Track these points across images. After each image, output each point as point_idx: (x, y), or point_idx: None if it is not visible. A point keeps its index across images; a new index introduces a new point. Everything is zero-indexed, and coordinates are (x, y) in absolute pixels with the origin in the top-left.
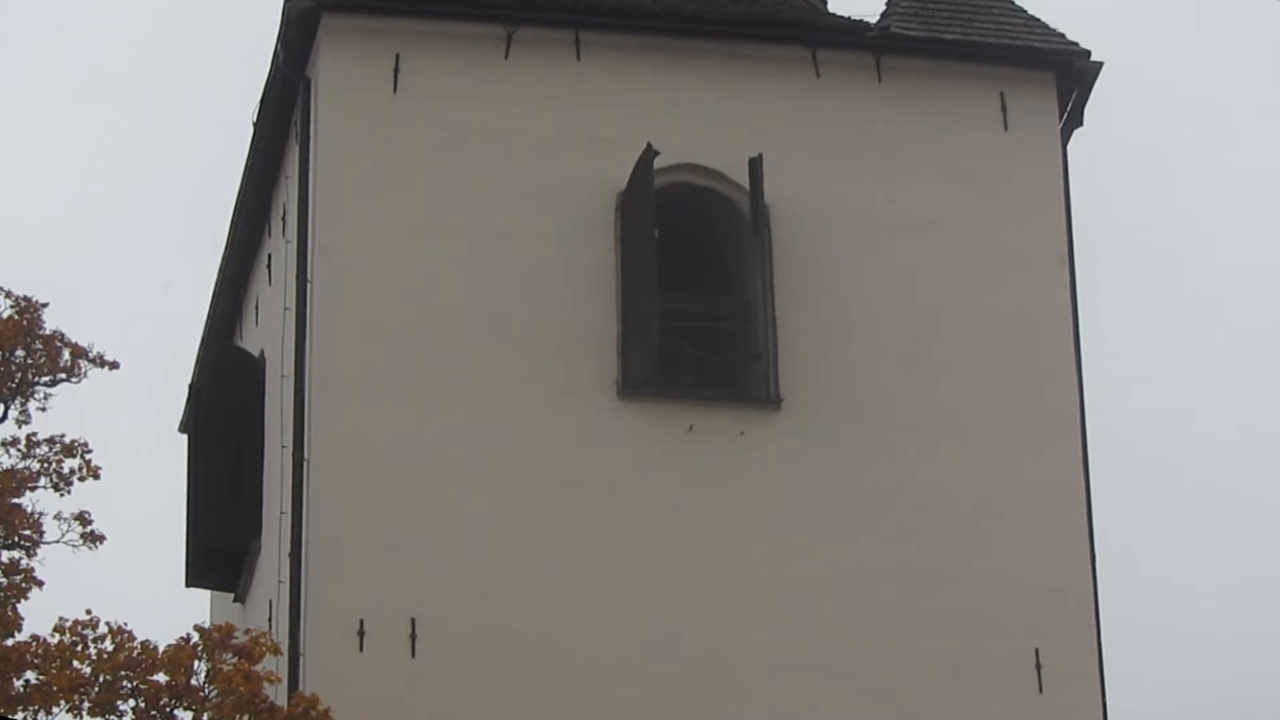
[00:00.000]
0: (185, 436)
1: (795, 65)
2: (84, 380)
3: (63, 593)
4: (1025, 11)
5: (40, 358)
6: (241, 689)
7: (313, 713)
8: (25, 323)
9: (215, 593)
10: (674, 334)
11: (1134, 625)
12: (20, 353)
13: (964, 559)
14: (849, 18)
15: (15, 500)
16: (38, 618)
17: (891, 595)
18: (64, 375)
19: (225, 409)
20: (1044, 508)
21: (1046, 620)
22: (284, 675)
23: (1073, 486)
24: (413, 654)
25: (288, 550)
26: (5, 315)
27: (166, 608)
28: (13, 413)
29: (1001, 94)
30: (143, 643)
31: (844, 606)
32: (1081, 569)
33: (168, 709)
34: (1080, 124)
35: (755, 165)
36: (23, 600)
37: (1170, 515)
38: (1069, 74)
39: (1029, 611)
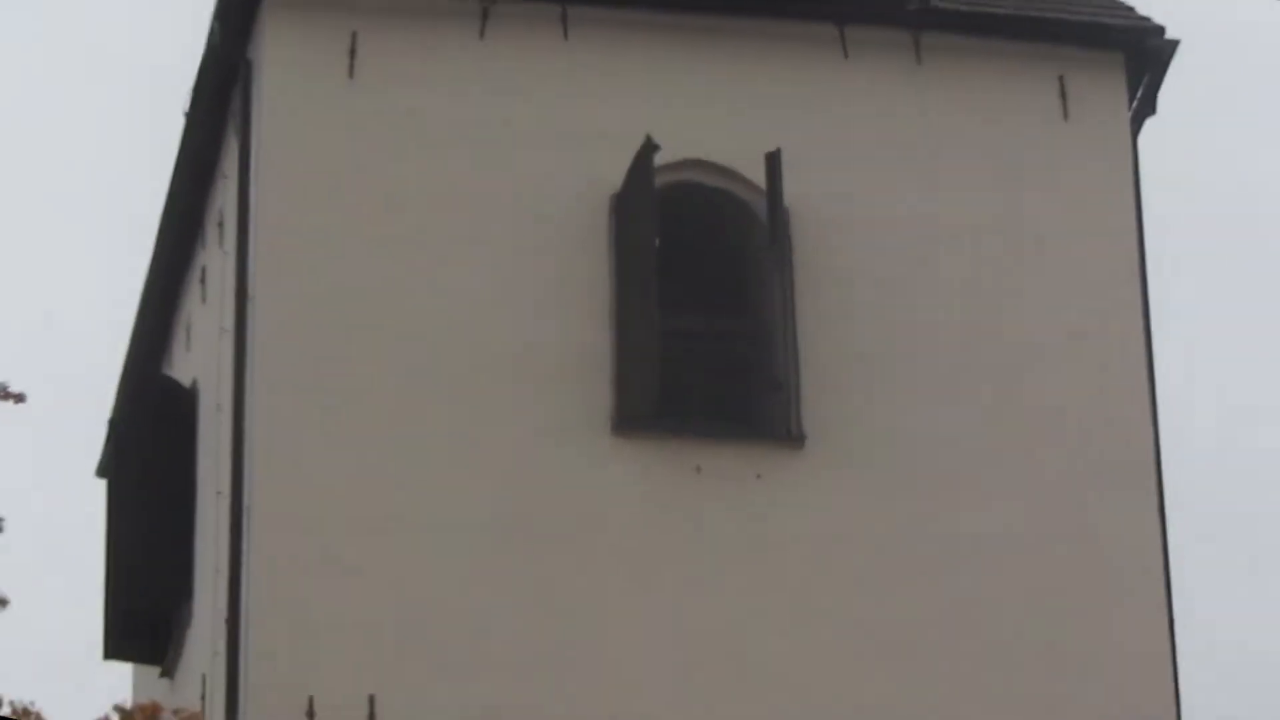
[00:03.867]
0: (104, 481)
1: (820, 44)
2: None
3: None
4: None
5: None
6: None
7: None
8: None
9: (138, 666)
10: (678, 359)
11: (1215, 692)
12: None
13: (1021, 622)
14: None
15: None
16: None
17: (936, 665)
18: None
19: (151, 448)
20: (1114, 560)
21: (1119, 689)
22: None
23: (1147, 535)
24: None
25: (224, 616)
26: None
27: (81, 683)
28: None
29: (1061, 78)
30: None
31: (878, 678)
32: (1158, 629)
33: None
34: (1153, 112)
35: (773, 161)
36: None
37: (1258, 568)
38: (1140, 54)
39: (1098, 680)
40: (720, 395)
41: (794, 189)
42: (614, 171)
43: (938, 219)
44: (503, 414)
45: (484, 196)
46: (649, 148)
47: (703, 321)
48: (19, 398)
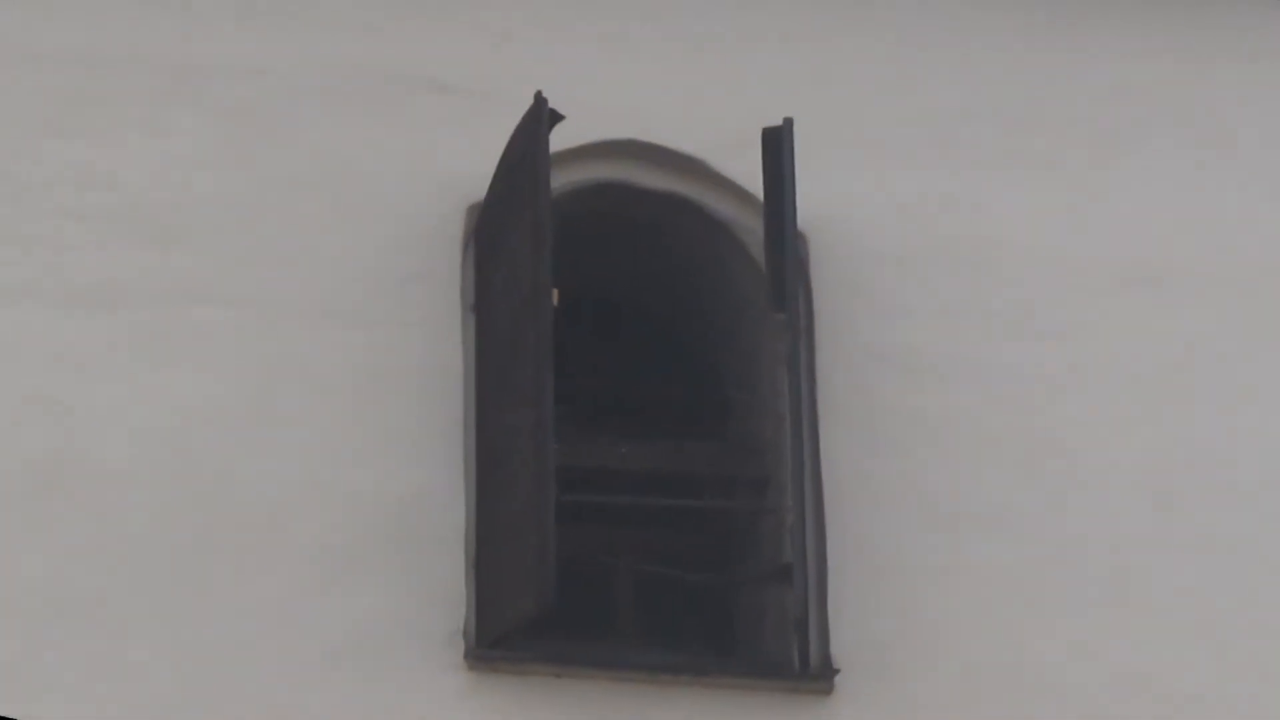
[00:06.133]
0: None
1: None
2: None
3: None
4: None
5: None
6: None
7: None
8: None
9: None
10: (593, 521)
11: None
12: None
13: None
14: None
15: None
16: None
17: None
18: None
19: None
20: None
21: None
22: None
23: None
24: None
25: None
26: None
27: None
28: None
29: None
30: None
31: None
32: None
33: None
34: None
35: (776, 141)
36: None
37: None
38: None
39: None
40: (675, 597)
41: (815, 198)
42: (474, 168)
43: (1079, 254)
44: (271, 627)
45: (224, 217)
46: (542, 117)
47: (643, 452)
48: None
